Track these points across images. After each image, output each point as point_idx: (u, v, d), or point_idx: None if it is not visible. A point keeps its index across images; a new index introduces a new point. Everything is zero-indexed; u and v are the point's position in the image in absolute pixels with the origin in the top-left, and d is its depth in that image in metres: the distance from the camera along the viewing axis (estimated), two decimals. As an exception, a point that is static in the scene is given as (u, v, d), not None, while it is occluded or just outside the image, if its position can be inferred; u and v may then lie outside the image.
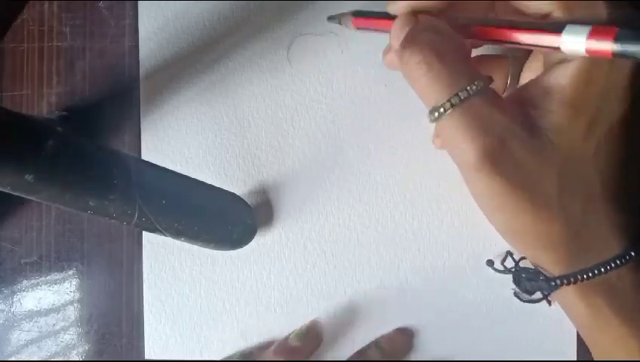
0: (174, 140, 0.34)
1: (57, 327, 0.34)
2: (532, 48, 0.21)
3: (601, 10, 0.20)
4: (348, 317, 0.32)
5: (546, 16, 0.21)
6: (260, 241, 0.33)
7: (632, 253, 0.22)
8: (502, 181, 0.21)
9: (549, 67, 0.22)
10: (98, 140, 0.34)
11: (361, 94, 0.33)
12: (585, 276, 0.22)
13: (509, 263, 0.29)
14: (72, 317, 0.34)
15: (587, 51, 0.19)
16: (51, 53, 0.35)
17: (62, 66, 0.35)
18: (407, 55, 0.21)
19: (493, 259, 0.30)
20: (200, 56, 0.34)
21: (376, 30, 0.26)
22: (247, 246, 0.31)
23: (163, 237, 0.27)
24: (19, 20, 0.35)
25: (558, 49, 0.20)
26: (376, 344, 0.31)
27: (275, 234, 0.33)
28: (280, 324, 0.32)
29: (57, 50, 0.35)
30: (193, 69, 0.34)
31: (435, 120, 0.21)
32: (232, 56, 0.34)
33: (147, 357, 0.33)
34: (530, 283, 0.25)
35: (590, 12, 0.20)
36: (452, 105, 0.20)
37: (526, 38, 0.21)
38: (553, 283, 0.23)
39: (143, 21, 0.34)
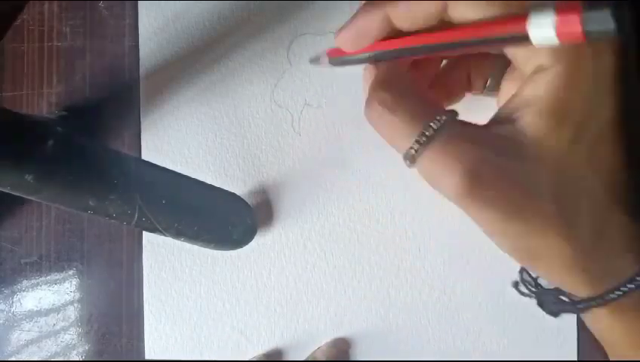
0: (174, 140, 0.34)
1: (57, 327, 0.34)
2: (500, 47, 0.20)
3: None
4: (348, 317, 0.32)
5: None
6: (260, 241, 0.33)
7: None
8: (491, 210, 0.20)
9: (525, 79, 0.20)
10: (98, 140, 0.34)
11: (361, 94, 0.33)
12: (614, 296, 0.20)
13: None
14: (72, 317, 0.34)
15: (558, 34, 0.17)
16: (51, 53, 0.35)
17: (62, 66, 0.35)
18: (367, 116, 0.22)
19: (518, 281, 0.27)
20: (200, 56, 0.34)
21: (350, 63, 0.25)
22: (247, 246, 0.31)
23: (163, 237, 0.27)
24: (19, 20, 0.35)
25: (527, 40, 0.18)
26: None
27: (275, 234, 0.33)
28: (280, 324, 0.32)
29: (57, 50, 0.35)
30: (193, 69, 0.34)
31: (410, 166, 0.21)
32: (232, 56, 0.34)
33: (147, 357, 0.33)
34: (556, 305, 0.23)
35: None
36: (416, 151, 0.20)
37: (490, 31, 0.19)
38: (580, 306, 0.21)
39: (143, 21, 0.34)
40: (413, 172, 0.32)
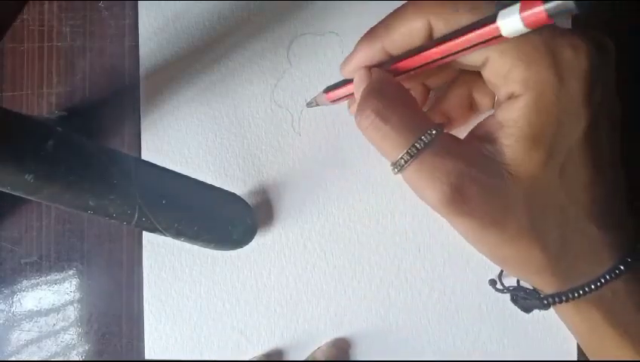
0: (174, 140, 0.34)
1: (57, 327, 0.34)
2: (476, 48, 0.22)
3: (534, 44, 0.21)
4: (348, 317, 0.32)
5: (482, 65, 0.22)
6: (260, 241, 0.33)
7: (622, 267, 0.22)
8: (470, 221, 0.22)
9: (500, 103, 0.22)
10: (98, 140, 0.34)
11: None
12: (576, 294, 0.23)
13: (511, 280, 0.30)
14: (72, 317, 0.34)
15: (526, 23, 0.19)
16: (51, 53, 0.35)
17: (62, 66, 0.35)
18: (359, 122, 0.23)
19: (495, 279, 0.31)
20: (200, 56, 0.34)
21: (347, 96, 0.28)
22: (247, 246, 0.31)
23: (163, 237, 0.27)
24: (19, 20, 0.35)
25: (500, 36, 0.20)
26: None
27: (275, 234, 0.33)
28: (280, 324, 0.32)
29: (57, 50, 0.35)
30: (193, 69, 0.34)
31: (398, 173, 0.23)
32: (232, 56, 0.34)
33: (147, 357, 0.33)
34: (527, 301, 0.26)
35: (524, 48, 0.21)
36: (406, 161, 0.22)
37: (467, 40, 0.21)
38: (545, 302, 0.24)
39: (143, 21, 0.34)
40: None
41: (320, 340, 0.32)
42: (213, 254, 0.33)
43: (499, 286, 0.30)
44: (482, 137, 0.23)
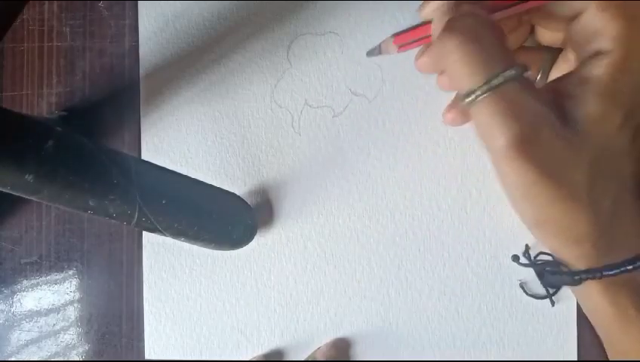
0: (174, 140, 0.34)
1: (57, 327, 0.34)
2: None
3: (635, 3, 0.20)
4: (348, 317, 0.32)
5: (575, 17, 0.22)
6: (260, 241, 0.33)
7: None
8: (532, 168, 0.20)
9: (584, 59, 0.22)
10: (98, 140, 0.34)
11: (361, 94, 0.33)
12: (611, 272, 0.21)
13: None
14: (72, 317, 0.34)
15: None
16: (51, 53, 0.35)
17: (62, 66, 0.35)
18: (444, 40, 0.21)
19: (518, 254, 0.30)
20: (200, 56, 0.34)
21: (416, 41, 0.26)
22: (247, 246, 0.31)
23: (163, 237, 0.27)
24: (19, 20, 0.35)
25: None
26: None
27: (275, 234, 0.33)
28: (280, 324, 0.32)
29: (57, 50, 0.35)
30: (193, 69, 0.34)
31: (469, 104, 0.21)
32: (232, 56, 0.34)
33: (147, 357, 0.33)
34: (555, 276, 0.25)
35: (624, 4, 0.21)
36: (486, 90, 0.20)
37: None
38: (577, 278, 0.22)
39: (143, 21, 0.34)
40: (413, 172, 0.32)
41: (320, 340, 0.32)
42: (213, 254, 0.33)
43: (523, 260, 0.29)
44: (562, 91, 0.22)
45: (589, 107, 0.21)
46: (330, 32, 0.33)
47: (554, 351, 0.31)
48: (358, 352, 0.32)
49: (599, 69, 0.21)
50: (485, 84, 0.21)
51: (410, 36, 0.26)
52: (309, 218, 0.33)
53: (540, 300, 0.31)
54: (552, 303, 0.30)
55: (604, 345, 0.24)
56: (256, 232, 0.32)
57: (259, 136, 0.33)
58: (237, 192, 0.32)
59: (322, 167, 0.33)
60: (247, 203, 0.32)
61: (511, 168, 0.21)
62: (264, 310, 0.33)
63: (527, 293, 0.31)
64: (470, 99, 0.21)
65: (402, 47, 0.27)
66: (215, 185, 0.31)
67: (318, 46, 0.33)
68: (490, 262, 0.31)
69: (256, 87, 0.33)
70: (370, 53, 0.29)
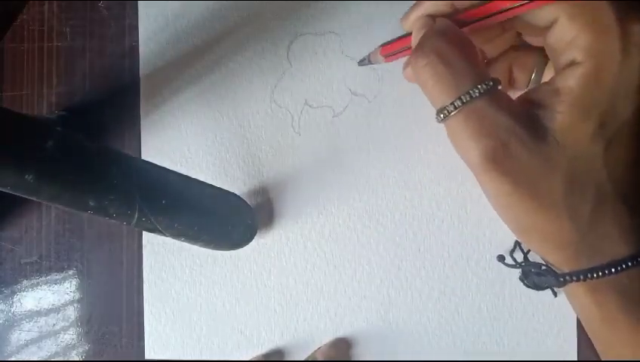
0: (174, 140, 0.34)
1: (57, 327, 0.34)
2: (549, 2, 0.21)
3: (606, 13, 0.21)
4: (348, 317, 0.32)
5: (549, 27, 0.22)
6: (260, 241, 0.33)
7: None
8: (506, 181, 0.21)
9: (558, 70, 0.22)
10: (98, 140, 0.34)
11: (361, 94, 0.33)
12: (594, 275, 0.22)
13: (519, 257, 0.29)
14: (72, 317, 0.34)
15: None
16: (51, 53, 0.35)
17: (62, 66, 0.35)
18: (415, 59, 0.22)
19: (504, 254, 0.30)
20: (200, 56, 0.34)
21: (402, 52, 0.27)
22: (247, 246, 0.31)
23: (163, 237, 0.27)
24: (19, 20, 0.35)
25: None
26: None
27: (275, 234, 0.33)
28: (280, 324, 0.32)
29: (57, 50, 0.35)
30: (193, 69, 0.34)
31: (442, 121, 0.22)
32: (232, 56, 0.34)
33: (147, 357, 0.33)
34: (540, 278, 0.25)
35: (595, 15, 0.21)
36: (456, 108, 0.21)
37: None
38: (562, 279, 0.23)
39: (143, 21, 0.34)
40: (413, 172, 0.32)
41: (320, 340, 0.32)
42: (213, 254, 0.33)
43: (508, 261, 0.30)
44: (534, 102, 0.22)
45: (562, 118, 0.21)
46: (330, 32, 0.33)
47: (554, 351, 0.31)
48: (358, 352, 0.32)
49: (571, 80, 0.21)
50: (453, 103, 0.21)
51: (395, 47, 0.27)
52: (309, 218, 0.33)
53: (539, 299, 0.31)
54: (555, 294, 0.30)
55: (594, 344, 0.24)
56: (256, 232, 0.32)
57: (259, 136, 0.33)
58: (237, 192, 0.32)
59: (322, 167, 0.33)
60: (247, 203, 0.32)
61: (487, 181, 0.22)
62: (264, 310, 0.33)
63: (526, 285, 0.31)
64: (441, 116, 0.22)
65: (389, 57, 0.28)
66: (215, 185, 0.31)
67: (318, 46, 0.33)
68: (490, 262, 0.31)
69: (256, 87, 0.33)
70: (361, 63, 0.30)
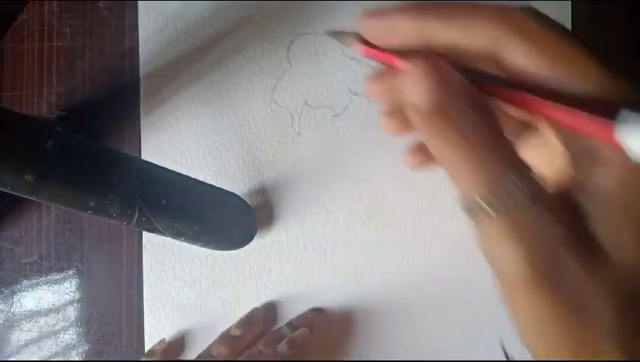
0: (174, 140, 0.34)
1: (57, 327, 0.34)
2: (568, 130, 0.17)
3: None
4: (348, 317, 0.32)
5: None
6: (260, 241, 0.33)
7: None
8: (551, 303, 0.17)
9: (581, 163, 0.18)
10: (98, 140, 0.34)
11: (361, 94, 0.33)
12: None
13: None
14: (72, 317, 0.34)
15: None
16: (51, 53, 0.35)
17: (62, 66, 0.35)
18: (436, 127, 0.17)
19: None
20: (200, 56, 0.34)
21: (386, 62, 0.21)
22: (247, 246, 0.31)
23: (163, 237, 0.27)
24: (19, 20, 0.35)
25: (613, 143, 0.15)
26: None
27: (275, 234, 0.33)
28: (280, 324, 0.32)
29: (57, 50, 0.35)
30: (193, 69, 0.34)
31: (473, 218, 0.17)
32: (232, 56, 0.34)
33: (147, 357, 0.33)
34: None
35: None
36: (495, 205, 0.17)
37: (568, 120, 0.16)
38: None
39: (142, 21, 0.34)
40: (414, 172, 0.32)
41: (320, 340, 0.32)
42: (213, 254, 0.33)
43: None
44: (569, 203, 0.18)
45: (602, 226, 0.17)
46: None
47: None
48: (358, 352, 0.32)
49: (608, 181, 0.17)
50: (490, 200, 0.17)
51: (374, 54, 0.20)
52: (309, 218, 0.33)
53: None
54: None
55: None
56: (256, 232, 0.32)
57: (259, 136, 0.33)
58: (237, 192, 0.32)
59: (322, 167, 0.33)
60: (247, 203, 0.32)
61: (523, 296, 0.18)
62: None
63: (506, 356, 0.30)
64: (471, 211, 0.17)
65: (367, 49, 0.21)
66: (215, 185, 0.31)
67: (318, 46, 0.33)
68: (490, 262, 0.31)
69: (256, 87, 0.33)
70: (328, 33, 0.22)
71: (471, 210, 0.17)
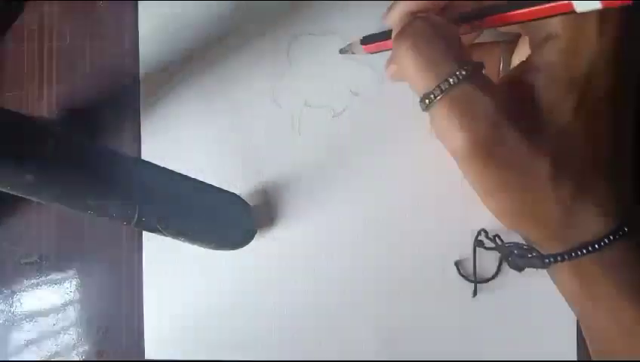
0: (174, 140, 0.34)
1: (57, 327, 0.34)
2: (541, 19, 0.21)
3: None
4: (348, 318, 0.32)
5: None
6: (260, 241, 0.33)
7: (625, 229, 0.21)
8: (495, 166, 0.21)
9: (536, 46, 0.22)
10: (98, 140, 0.34)
11: (361, 94, 0.33)
12: (579, 253, 0.22)
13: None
14: (72, 317, 0.34)
15: (604, 4, 0.19)
16: (51, 53, 0.35)
17: (62, 66, 0.35)
18: (397, 43, 0.22)
19: (482, 239, 0.30)
20: (200, 56, 0.34)
21: (385, 40, 0.26)
22: (247, 246, 0.31)
23: (163, 237, 0.27)
24: (19, 20, 0.35)
25: (572, 11, 0.20)
26: None
27: (275, 234, 0.33)
28: (280, 324, 0.32)
29: (57, 50, 0.35)
30: (193, 69, 0.34)
31: (426, 108, 0.22)
32: (232, 56, 0.34)
33: (147, 357, 0.33)
34: (522, 259, 0.25)
35: None
36: (442, 92, 0.21)
37: (538, 11, 0.20)
38: (547, 261, 0.23)
39: (142, 21, 0.34)
40: (414, 171, 0.32)
41: (320, 340, 0.32)
42: (213, 254, 0.33)
43: (488, 244, 0.29)
44: (516, 82, 0.22)
45: (546, 95, 0.21)
46: (330, 32, 0.33)
47: (553, 351, 0.31)
48: (359, 350, 0.32)
49: (551, 55, 0.21)
50: (438, 86, 0.21)
51: (378, 46, 0.26)
52: (309, 218, 0.33)
53: (538, 299, 0.31)
54: (475, 293, 0.31)
55: (579, 320, 0.24)
56: (256, 232, 0.32)
57: (259, 136, 0.33)
58: (237, 192, 0.32)
59: (322, 167, 0.33)
60: (247, 203, 0.32)
61: (474, 168, 0.21)
62: (264, 310, 0.33)
63: (460, 273, 0.31)
64: (426, 102, 0.21)
65: (368, 45, 0.27)
66: (215, 185, 0.31)
67: (318, 46, 0.33)
68: (491, 261, 0.31)
69: (256, 88, 0.33)
70: (342, 52, 0.29)
71: (428, 102, 0.21)
